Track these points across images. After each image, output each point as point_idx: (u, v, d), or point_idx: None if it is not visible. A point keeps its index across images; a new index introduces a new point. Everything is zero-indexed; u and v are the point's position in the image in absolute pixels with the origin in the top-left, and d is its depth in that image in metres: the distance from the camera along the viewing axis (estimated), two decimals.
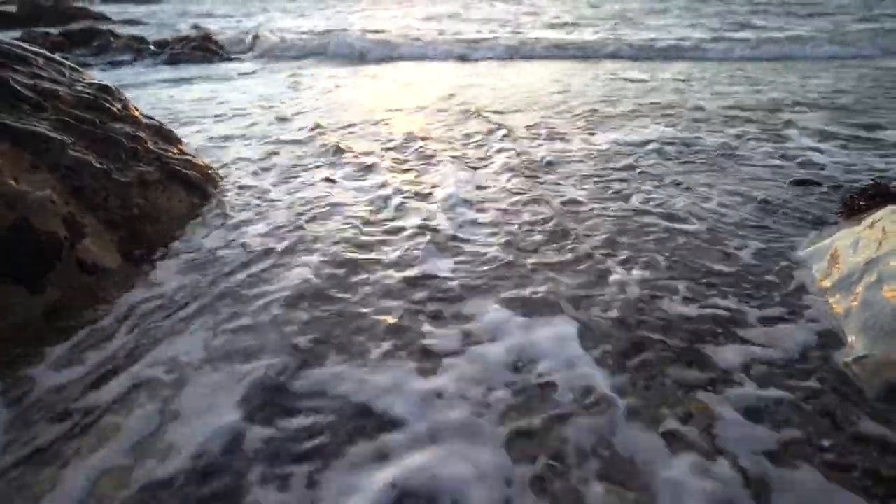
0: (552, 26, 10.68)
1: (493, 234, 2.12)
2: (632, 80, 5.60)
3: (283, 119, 4.16)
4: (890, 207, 1.74)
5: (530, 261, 1.90)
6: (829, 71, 5.96)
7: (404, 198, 2.50)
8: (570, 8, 14.67)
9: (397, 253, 1.99)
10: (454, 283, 1.77)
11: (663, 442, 1.12)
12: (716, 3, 14.78)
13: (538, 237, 2.09)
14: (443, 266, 1.89)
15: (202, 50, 7.79)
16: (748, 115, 3.98)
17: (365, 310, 1.64)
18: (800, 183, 2.59)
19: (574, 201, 2.43)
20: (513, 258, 1.92)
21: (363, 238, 2.11)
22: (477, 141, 3.45)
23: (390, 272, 1.85)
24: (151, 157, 2.26)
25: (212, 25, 11.59)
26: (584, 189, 2.59)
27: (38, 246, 1.61)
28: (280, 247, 2.03)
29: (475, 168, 2.93)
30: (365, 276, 1.83)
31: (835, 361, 1.34)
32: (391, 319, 1.58)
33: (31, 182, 1.71)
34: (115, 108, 2.32)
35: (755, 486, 1.01)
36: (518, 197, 2.49)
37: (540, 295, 1.69)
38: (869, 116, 3.85)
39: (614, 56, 7.57)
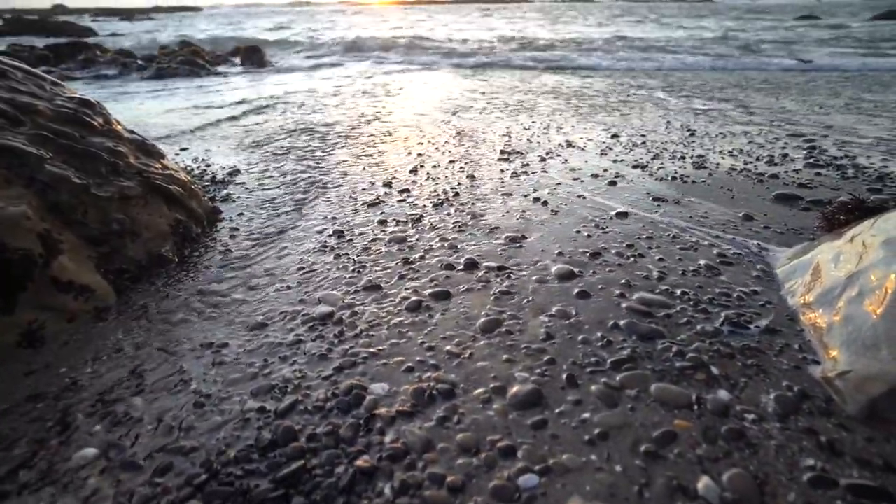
0: None
1: None
2: None
3: None
4: (869, 221, 1.76)
5: None
6: None
7: None
8: None
9: None
10: None
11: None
12: None
13: None
14: None
15: (189, 64, 7.76)
16: None
17: None
18: (782, 198, 2.62)
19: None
20: None
21: None
22: None
23: None
24: (133, 171, 2.22)
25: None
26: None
27: (9, 264, 1.56)
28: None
29: None
30: None
31: (816, 376, 1.33)
32: None
33: (4, 198, 1.66)
34: (96, 123, 2.28)
35: None
36: None
37: None
38: None
39: None
